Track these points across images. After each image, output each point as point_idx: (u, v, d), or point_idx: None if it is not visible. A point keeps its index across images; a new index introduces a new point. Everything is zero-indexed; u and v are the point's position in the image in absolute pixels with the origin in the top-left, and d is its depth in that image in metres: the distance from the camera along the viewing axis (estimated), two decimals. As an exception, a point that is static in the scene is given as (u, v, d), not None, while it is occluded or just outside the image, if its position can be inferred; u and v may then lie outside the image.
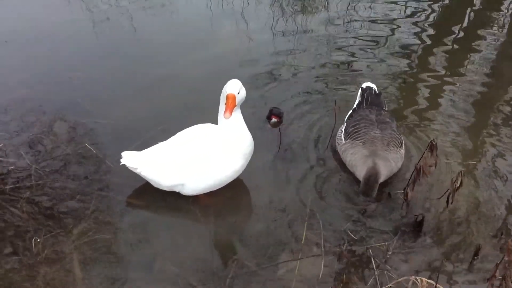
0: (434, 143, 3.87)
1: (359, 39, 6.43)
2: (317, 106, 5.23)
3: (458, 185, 3.90)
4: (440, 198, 4.09)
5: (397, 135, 4.39)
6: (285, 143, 4.72)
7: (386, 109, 4.74)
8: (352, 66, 5.87)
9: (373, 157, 4.16)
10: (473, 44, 6.39)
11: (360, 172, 4.18)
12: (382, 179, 4.13)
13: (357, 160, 4.25)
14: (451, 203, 3.97)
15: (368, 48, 6.23)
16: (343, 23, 6.78)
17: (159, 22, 6.73)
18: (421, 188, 4.21)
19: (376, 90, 4.84)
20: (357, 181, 4.25)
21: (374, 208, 4.12)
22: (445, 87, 5.58)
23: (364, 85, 4.88)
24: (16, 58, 5.83)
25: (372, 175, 4.06)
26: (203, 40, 6.29)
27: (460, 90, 5.52)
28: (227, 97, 3.62)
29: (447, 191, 3.94)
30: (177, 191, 4.05)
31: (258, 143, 4.49)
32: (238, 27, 6.64)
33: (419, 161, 3.97)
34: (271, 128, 4.91)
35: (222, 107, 3.79)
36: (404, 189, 4.08)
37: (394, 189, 4.25)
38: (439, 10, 7.24)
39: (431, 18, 6.97)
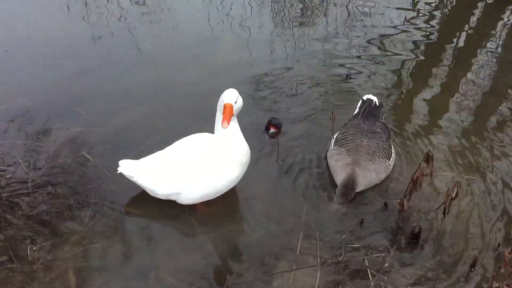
0: (430, 154, 3.88)
1: (358, 51, 6.45)
2: (315, 116, 5.24)
3: (454, 195, 3.92)
4: (437, 209, 4.09)
5: (385, 146, 4.40)
6: (283, 154, 4.72)
7: (382, 121, 4.75)
8: (350, 77, 5.89)
9: (353, 165, 4.20)
10: (470, 57, 6.41)
11: (339, 179, 4.24)
12: (359, 188, 4.19)
13: (338, 166, 4.30)
14: (447, 213, 3.97)
15: (366, 60, 6.26)
16: (342, 36, 6.80)
17: (158, 33, 6.76)
18: (417, 199, 4.21)
19: (377, 103, 4.85)
20: (335, 186, 4.28)
21: (345, 211, 4.13)
22: (443, 99, 5.60)
23: (364, 97, 4.91)
24: (16, 67, 5.85)
25: (349, 183, 4.12)
26: (202, 51, 6.32)
27: (458, 102, 5.54)
28: (225, 106, 3.63)
29: (443, 202, 3.94)
30: (173, 199, 4.05)
31: (256, 153, 4.54)
32: (237, 39, 6.67)
33: (415, 172, 3.97)
34: (269, 138, 4.92)
35: (219, 116, 3.79)
36: (401, 199, 4.08)
37: (390, 199, 4.24)
38: (437, 24, 7.29)
39: (428, 32, 7.01)
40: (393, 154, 4.47)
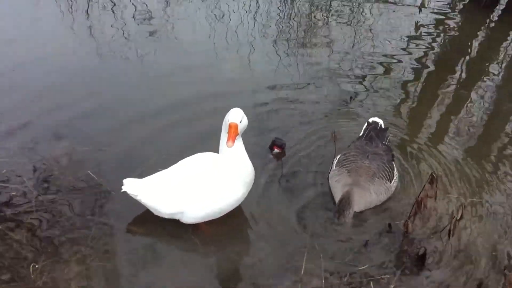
0: (434, 175, 3.89)
1: (362, 73, 6.52)
2: (319, 137, 5.25)
3: (458, 217, 3.91)
4: (442, 231, 4.06)
5: (386, 168, 4.40)
6: (287, 173, 4.72)
7: (386, 143, 4.76)
8: (354, 99, 5.92)
9: (352, 185, 4.21)
10: (473, 80, 6.46)
11: (337, 199, 4.25)
12: (357, 208, 4.18)
13: (338, 187, 4.31)
14: (452, 235, 3.96)
15: (369, 82, 6.30)
16: (346, 58, 6.87)
17: (163, 52, 6.83)
18: (422, 220, 4.18)
19: (382, 125, 4.87)
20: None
21: (348, 225, 4.12)
22: (447, 120, 5.62)
23: (370, 120, 4.93)
24: (22, 85, 5.90)
25: (344, 198, 4.12)
26: (207, 71, 6.38)
27: (462, 124, 5.55)
28: (230, 126, 3.65)
29: (448, 224, 3.93)
30: (177, 219, 4.04)
31: (260, 172, 4.55)
32: (242, 59, 6.74)
33: (419, 193, 3.97)
34: (273, 158, 4.92)
35: (224, 135, 3.82)
36: (405, 221, 4.06)
37: (394, 221, 4.22)
38: (440, 47, 7.34)
39: (431, 55, 7.05)
40: (395, 176, 4.46)
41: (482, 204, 4.43)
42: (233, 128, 3.64)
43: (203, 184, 3.94)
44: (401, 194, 4.55)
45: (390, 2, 8.85)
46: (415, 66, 6.75)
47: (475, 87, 6.30)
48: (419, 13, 8.51)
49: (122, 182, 4.01)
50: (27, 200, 4.28)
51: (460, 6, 9.05)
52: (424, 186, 3.93)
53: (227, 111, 3.73)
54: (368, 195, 4.21)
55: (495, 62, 7.07)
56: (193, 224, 4.08)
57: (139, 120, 5.38)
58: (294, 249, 3.97)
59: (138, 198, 4.00)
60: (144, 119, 5.39)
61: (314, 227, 4.16)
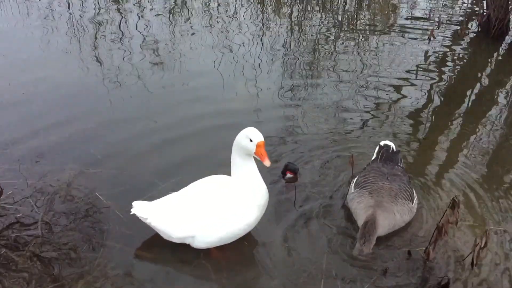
0: (456, 200, 3.74)
1: (369, 102, 6.40)
2: (331, 164, 5.13)
3: (482, 245, 3.74)
4: (464, 259, 3.89)
5: (407, 188, 4.29)
6: (300, 199, 4.59)
7: (401, 165, 4.65)
8: (366, 124, 5.83)
9: (375, 207, 4.06)
10: (483, 106, 6.36)
11: (360, 220, 4.08)
12: (382, 230, 4.01)
13: (361, 209, 4.16)
14: (476, 264, 3.78)
15: (379, 110, 6.21)
16: (355, 86, 6.81)
17: (170, 82, 6.74)
18: (443, 248, 4.02)
19: (394, 148, 4.77)
20: (355, 231, 4.13)
21: (359, 247, 3.89)
22: (458, 150, 5.49)
23: (382, 143, 4.85)
24: (30, 108, 5.85)
25: (369, 221, 3.94)
26: (214, 99, 6.32)
27: (474, 153, 5.42)
28: (259, 145, 3.56)
29: (471, 251, 3.76)
30: (187, 243, 3.89)
31: (273, 198, 4.40)
32: (248, 89, 6.63)
33: (441, 219, 3.82)
34: (285, 183, 4.79)
35: (236, 158, 3.72)
36: (426, 248, 3.89)
37: (413, 248, 4.05)
38: (449, 75, 7.29)
39: (441, 85, 6.97)
40: (415, 198, 4.33)
41: (506, 232, 4.26)
42: (263, 147, 3.58)
43: (215, 207, 3.80)
44: (418, 221, 4.39)
45: (398, 33, 8.86)
46: (424, 95, 6.66)
47: (484, 118, 6.16)
48: (429, 43, 8.50)
49: (131, 205, 3.88)
50: (33, 222, 4.15)
51: (469, 36, 9.05)
52: (445, 211, 3.78)
53: (232, 141, 3.67)
54: (392, 217, 4.06)
55: (504, 92, 6.98)
56: (204, 250, 3.92)
57: (149, 144, 5.32)
58: (310, 277, 3.80)
59: (147, 221, 3.86)
60: (154, 144, 5.31)
61: (330, 254, 3.99)
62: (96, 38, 7.72)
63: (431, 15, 10.12)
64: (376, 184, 4.26)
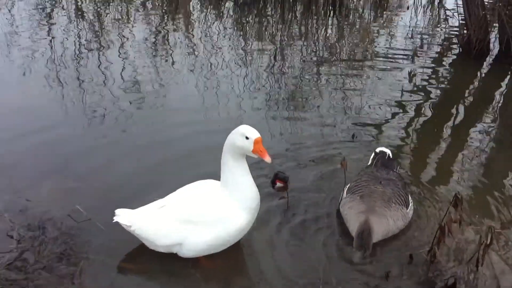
0: (458, 196, 3.56)
1: (358, 130, 5.91)
2: (325, 173, 4.93)
3: (488, 243, 3.55)
4: (471, 259, 3.67)
5: (401, 193, 4.11)
6: (292, 207, 4.36)
7: (397, 171, 4.49)
8: (356, 136, 5.68)
9: (367, 213, 3.84)
10: (466, 130, 6.17)
11: (353, 227, 3.86)
12: (376, 237, 3.78)
13: (351, 215, 3.95)
14: (482, 264, 3.58)
15: (364, 130, 5.92)
16: (338, 111, 6.41)
17: (151, 115, 6.12)
18: (445, 249, 3.80)
19: (390, 155, 4.62)
20: (351, 236, 3.88)
21: (361, 256, 3.72)
22: (453, 160, 5.36)
23: (377, 150, 4.71)
24: (6, 125, 5.59)
25: (364, 230, 3.73)
26: (195, 132, 5.63)
27: (468, 162, 5.29)
28: (257, 141, 3.36)
29: (477, 251, 3.56)
30: (174, 252, 3.61)
31: (264, 206, 4.17)
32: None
33: (443, 218, 3.63)
34: (275, 192, 4.57)
35: (227, 159, 3.50)
36: (430, 249, 3.67)
37: (414, 251, 3.82)
38: (434, 97, 7.16)
39: (425, 106, 6.75)
40: (411, 203, 4.14)
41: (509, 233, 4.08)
42: (261, 142, 3.39)
43: (204, 212, 3.56)
44: (415, 224, 4.21)
45: (380, 60, 8.74)
46: (408, 115, 6.41)
47: (469, 137, 5.93)
48: (413, 61, 8.53)
49: (113, 218, 3.62)
50: (10, 234, 3.87)
51: (451, 57, 9.13)
52: (447, 209, 3.60)
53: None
54: (385, 223, 3.84)
55: (487, 111, 6.87)
56: (193, 259, 3.64)
57: (131, 160, 5.07)
58: (307, 285, 3.53)
59: (131, 229, 3.59)
60: (135, 159, 5.07)
61: (327, 262, 3.74)
62: (78, 73, 7.22)
63: (413, 35, 10.22)
64: (368, 188, 4.07)
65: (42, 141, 5.30)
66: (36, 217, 4.10)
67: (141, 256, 3.72)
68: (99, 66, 7.27)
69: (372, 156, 4.69)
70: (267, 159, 3.39)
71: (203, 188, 3.71)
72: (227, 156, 3.52)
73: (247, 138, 3.38)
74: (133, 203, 3.89)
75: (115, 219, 3.61)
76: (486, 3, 8.92)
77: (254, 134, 3.38)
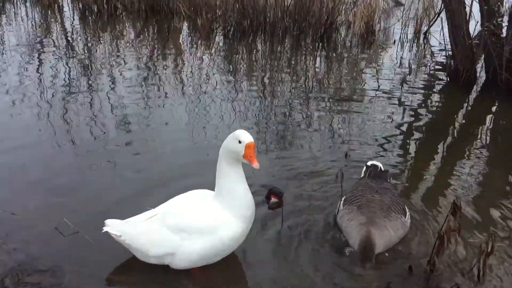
0: (457, 203, 3.49)
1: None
2: (318, 186, 4.86)
3: (489, 251, 3.47)
4: (473, 268, 3.57)
5: (399, 201, 4.06)
6: (288, 220, 4.26)
7: (390, 182, 4.46)
8: (350, 156, 5.64)
9: (368, 225, 3.76)
10: (455, 158, 6.00)
11: (354, 240, 3.77)
12: (378, 250, 3.69)
13: (352, 227, 3.86)
14: (483, 274, 3.48)
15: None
16: (327, 141, 6.17)
17: (141, 161, 5.43)
18: (446, 259, 3.70)
19: (382, 168, 4.59)
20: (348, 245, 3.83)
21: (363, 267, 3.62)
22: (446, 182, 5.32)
23: (369, 163, 4.68)
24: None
25: (367, 244, 3.64)
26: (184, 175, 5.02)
27: (463, 180, 5.25)
28: (248, 146, 3.27)
29: (477, 259, 3.48)
30: (166, 263, 3.47)
31: (258, 220, 4.07)
32: None
33: (442, 226, 3.55)
34: (270, 208, 4.47)
35: (223, 166, 3.41)
36: (429, 259, 3.57)
37: (415, 261, 3.71)
38: (422, 125, 7.13)
39: (414, 134, 6.63)
40: (407, 212, 4.07)
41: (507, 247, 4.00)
42: (253, 148, 3.29)
43: (197, 220, 3.44)
44: (416, 233, 4.15)
45: (369, 95, 8.68)
46: (399, 144, 6.24)
47: (458, 166, 5.76)
48: (401, 88, 8.63)
49: (102, 228, 3.49)
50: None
51: (439, 86, 9.25)
52: (446, 217, 3.52)
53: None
54: (387, 234, 3.76)
55: (476, 138, 6.84)
56: (185, 270, 3.50)
57: (118, 176, 4.97)
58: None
59: (121, 239, 3.45)
60: (122, 175, 4.97)
61: (323, 275, 3.61)
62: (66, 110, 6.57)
63: (402, 64, 10.37)
64: (365, 197, 4.00)
65: (28, 156, 5.19)
66: (20, 231, 3.94)
67: (132, 268, 3.56)
68: (90, 100, 7.00)
69: (364, 169, 4.65)
70: (255, 165, 3.28)
71: (196, 196, 3.61)
72: (222, 161, 3.44)
73: (240, 142, 3.31)
74: (121, 217, 3.75)
75: (105, 229, 3.48)
76: (471, 33, 9.11)
77: (246, 138, 3.30)
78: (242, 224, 3.48)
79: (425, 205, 4.60)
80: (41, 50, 9.90)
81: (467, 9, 8.96)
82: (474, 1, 9.14)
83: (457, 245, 3.88)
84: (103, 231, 3.47)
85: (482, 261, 3.47)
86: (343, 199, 4.22)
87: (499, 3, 8.70)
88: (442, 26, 10.21)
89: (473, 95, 8.90)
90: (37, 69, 8.45)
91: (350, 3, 13.88)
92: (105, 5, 15.08)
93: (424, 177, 5.31)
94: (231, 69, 9.61)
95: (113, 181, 4.85)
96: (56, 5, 15.66)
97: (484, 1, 8.52)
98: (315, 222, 4.26)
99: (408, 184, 5.11)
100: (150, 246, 3.42)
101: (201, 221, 3.43)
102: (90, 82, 7.88)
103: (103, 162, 5.24)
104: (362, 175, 4.58)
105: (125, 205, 4.30)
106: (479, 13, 8.90)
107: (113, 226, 3.50)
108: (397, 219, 3.87)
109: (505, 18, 8.84)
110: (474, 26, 9.28)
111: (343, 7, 13.60)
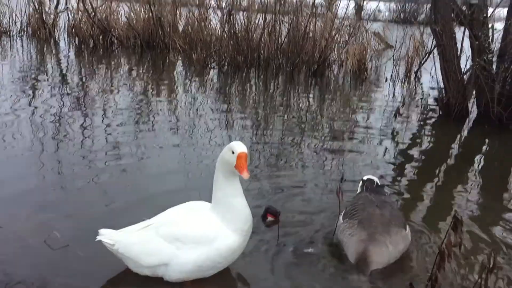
0: (458, 217, 3.43)
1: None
2: (317, 207, 4.80)
3: (491, 267, 3.39)
4: (475, 285, 3.47)
5: (399, 214, 4.03)
6: (285, 235, 4.20)
7: (388, 195, 4.44)
8: (345, 179, 5.57)
9: (367, 242, 3.70)
10: (449, 192, 5.82)
11: (351, 256, 3.74)
12: (375, 266, 3.63)
13: (352, 242, 3.79)
14: (486, 290, 3.39)
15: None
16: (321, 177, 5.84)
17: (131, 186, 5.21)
18: (447, 275, 3.62)
19: (378, 182, 4.55)
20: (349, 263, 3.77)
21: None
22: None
23: (365, 178, 4.64)
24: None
25: (361, 260, 3.64)
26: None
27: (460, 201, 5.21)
28: (240, 156, 3.22)
29: (479, 276, 3.39)
30: (160, 275, 3.35)
31: (254, 236, 3.97)
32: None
33: (442, 241, 3.47)
34: (266, 227, 4.38)
35: (220, 176, 3.36)
36: (430, 275, 3.47)
37: (415, 278, 3.62)
38: (416, 158, 7.06)
39: (408, 167, 6.48)
40: (407, 226, 4.01)
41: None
42: (244, 158, 3.23)
43: (193, 230, 3.35)
44: (417, 249, 4.10)
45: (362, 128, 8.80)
46: (391, 176, 6.06)
47: (452, 199, 5.58)
48: (395, 119, 8.68)
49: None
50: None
51: (432, 119, 9.33)
52: (447, 232, 3.45)
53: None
54: (385, 251, 3.68)
55: (468, 171, 6.75)
56: (180, 283, 3.38)
57: (107, 189, 4.89)
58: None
59: (115, 248, 3.35)
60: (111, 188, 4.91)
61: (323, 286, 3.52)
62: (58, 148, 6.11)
63: (395, 97, 10.47)
64: (366, 211, 3.94)
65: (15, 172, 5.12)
66: (10, 244, 3.81)
67: (124, 280, 3.45)
68: (82, 132, 6.82)
69: (360, 184, 4.63)
70: (244, 175, 3.21)
71: (193, 207, 3.54)
72: (219, 173, 3.39)
73: (233, 152, 3.27)
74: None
75: (99, 238, 3.38)
76: (463, 67, 9.27)
77: (239, 148, 3.25)
78: (238, 238, 3.38)
79: (425, 222, 4.55)
80: (36, 83, 9.79)
81: (458, 44, 9.14)
82: (465, 37, 9.35)
83: (459, 262, 3.80)
84: (96, 239, 3.37)
85: (484, 278, 3.37)
86: (343, 213, 4.16)
87: (489, 40, 8.90)
88: (434, 61, 10.39)
89: (465, 128, 8.95)
90: (30, 102, 8.15)
91: (343, 41, 14.22)
92: (101, 40, 15.30)
93: (418, 208, 5.17)
94: (225, 101, 9.63)
95: (103, 197, 4.76)
96: (52, 39, 15.80)
97: (474, 37, 8.71)
98: (313, 236, 4.21)
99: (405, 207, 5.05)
100: (144, 256, 3.32)
101: (198, 231, 3.34)
102: (83, 113, 7.76)
103: (91, 179, 5.15)
104: (359, 189, 4.55)
105: (116, 219, 4.15)
106: (470, 49, 9.09)
107: (106, 235, 3.40)
108: (398, 233, 3.80)
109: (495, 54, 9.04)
110: (466, 61, 9.45)
111: (336, 45, 13.88)
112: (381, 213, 3.91)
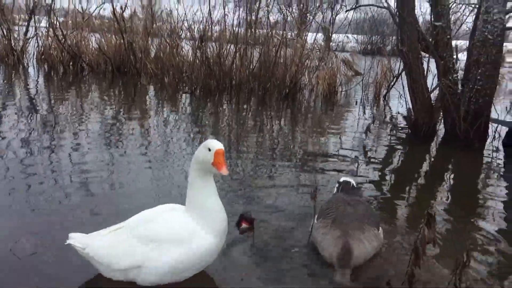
0: (432, 213, 3.48)
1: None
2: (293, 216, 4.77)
3: (465, 262, 3.42)
4: (449, 283, 3.48)
5: (373, 213, 4.09)
6: (259, 240, 4.17)
7: (363, 197, 4.48)
8: (318, 191, 5.56)
9: (344, 237, 3.69)
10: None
11: (331, 254, 3.67)
12: (357, 261, 3.64)
13: (327, 240, 3.77)
14: (460, 286, 3.41)
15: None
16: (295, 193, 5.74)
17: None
18: (423, 273, 3.62)
19: (354, 185, 4.58)
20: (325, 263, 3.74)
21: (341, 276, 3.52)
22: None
23: (341, 179, 4.67)
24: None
25: (345, 252, 3.59)
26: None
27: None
28: (218, 153, 3.20)
29: (454, 271, 3.41)
30: (133, 278, 3.25)
31: (228, 242, 3.93)
32: None
33: (417, 238, 3.50)
34: (240, 234, 4.33)
35: (195, 178, 3.33)
36: (407, 272, 3.48)
37: (393, 278, 3.61)
38: (384, 177, 7.27)
39: (376, 186, 6.72)
40: (380, 227, 4.04)
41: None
42: (221, 154, 3.21)
43: (167, 230, 3.29)
44: (393, 249, 4.12)
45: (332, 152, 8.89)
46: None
47: (421, 215, 5.62)
48: (366, 137, 8.80)
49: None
50: None
51: (401, 138, 9.49)
52: (421, 229, 3.49)
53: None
54: (363, 247, 3.70)
55: (438, 187, 6.90)
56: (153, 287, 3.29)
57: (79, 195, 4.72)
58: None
59: (85, 252, 3.25)
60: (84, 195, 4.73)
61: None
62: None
63: (365, 115, 10.62)
64: (339, 210, 3.96)
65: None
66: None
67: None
68: (49, 157, 6.59)
69: (336, 186, 4.67)
70: (224, 171, 3.19)
71: (166, 209, 3.48)
72: (193, 173, 3.36)
73: (209, 150, 3.25)
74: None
75: (68, 241, 3.29)
76: (429, 87, 9.52)
77: (216, 145, 3.24)
78: (214, 239, 3.33)
79: (400, 222, 4.57)
80: (2, 110, 9.55)
81: (425, 65, 9.42)
82: (430, 59, 9.65)
83: (435, 259, 3.82)
84: (66, 243, 3.27)
85: (459, 272, 3.40)
86: (316, 215, 4.17)
87: (453, 60, 9.20)
88: (402, 83, 10.65)
89: (433, 146, 9.13)
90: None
91: (313, 67, 14.49)
92: (71, 65, 15.20)
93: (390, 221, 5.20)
94: (197, 124, 9.60)
95: (73, 202, 4.72)
96: (20, 65, 15.60)
97: (439, 57, 9.00)
98: (289, 238, 4.20)
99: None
100: (115, 258, 3.22)
101: (173, 231, 3.28)
102: (51, 138, 7.52)
103: (59, 201, 4.87)
104: (335, 191, 4.58)
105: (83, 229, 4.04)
106: (436, 69, 9.37)
107: (76, 238, 3.30)
108: (370, 230, 3.83)
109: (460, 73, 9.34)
110: (432, 81, 9.72)
111: (306, 70, 14.13)
112: (354, 210, 3.94)
